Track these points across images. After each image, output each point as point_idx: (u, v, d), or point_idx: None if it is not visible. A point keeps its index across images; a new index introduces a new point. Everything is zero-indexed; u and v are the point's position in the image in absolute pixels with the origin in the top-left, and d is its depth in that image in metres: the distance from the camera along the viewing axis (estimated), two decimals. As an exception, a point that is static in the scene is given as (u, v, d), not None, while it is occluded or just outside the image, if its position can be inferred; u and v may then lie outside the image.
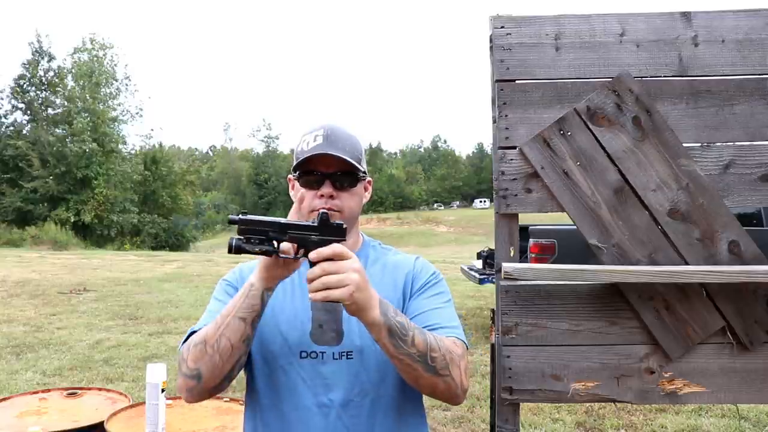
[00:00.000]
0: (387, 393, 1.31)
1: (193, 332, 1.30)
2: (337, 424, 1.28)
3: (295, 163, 1.35)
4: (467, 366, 1.31)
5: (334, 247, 1.09)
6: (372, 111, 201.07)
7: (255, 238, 1.08)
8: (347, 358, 1.29)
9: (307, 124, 1.42)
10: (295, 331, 1.31)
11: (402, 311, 1.34)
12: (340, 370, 1.29)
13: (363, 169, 1.38)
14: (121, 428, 2.14)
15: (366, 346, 1.29)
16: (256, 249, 1.08)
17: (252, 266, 1.42)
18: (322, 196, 1.32)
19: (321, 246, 1.09)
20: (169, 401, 2.32)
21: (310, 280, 1.07)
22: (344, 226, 1.14)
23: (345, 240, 1.13)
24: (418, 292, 1.37)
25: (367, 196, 1.44)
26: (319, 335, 1.21)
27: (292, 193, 1.41)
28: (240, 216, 1.08)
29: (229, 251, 1.09)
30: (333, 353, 1.29)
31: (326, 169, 1.32)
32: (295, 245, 1.11)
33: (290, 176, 1.40)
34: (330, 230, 1.12)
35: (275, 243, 1.10)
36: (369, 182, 1.44)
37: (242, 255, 1.10)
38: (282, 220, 1.11)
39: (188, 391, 1.25)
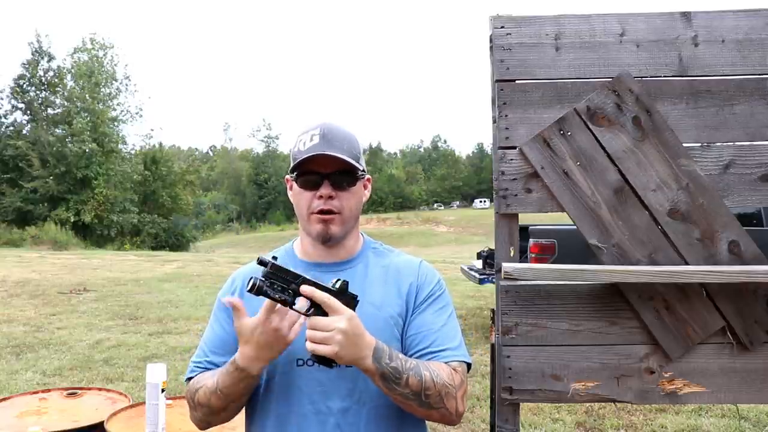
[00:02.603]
0: (386, 401, 1.28)
1: (196, 369, 1.38)
2: (335, 431, 1.28)
3: (292, 163, 1.34)
4: (465, 392, 1.33)
5: (327, 297, 1.13)
6: (372, 111, 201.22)
7: (278, 284, 1.13)
8: (346, 366, 1.26)
9: (305, 123, 1.41)
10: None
11: (405, 321, 1.34)
12: (338, 377, 1.28)
13: (362, 168, 1.35)
14: (121, 428, 2.14)
15: None
16: (277, 296, 1.12)
17: (246, 273, 1.42)
18: (320, 197, 1.30)
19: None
20: (169, 401, 2.32)
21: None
22: (357, 298, 1.18)
23: (353, 310, 1.16)
24: (423, 305, 1.36)
25: (367, 194, 1.42)
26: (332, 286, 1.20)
27: (290, 194, 1.39)
28: (271, 261, 1.13)
29: (250, 290, 1.11)
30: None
31: (324, 170, 1.30)
32: (309, 302, 1.15)
33: (288, 177, 1.39)
34: (345, 298, 1.16)
35: (294, 296, 1.14)
36: (368, 180, 1.42)
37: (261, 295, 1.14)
38: (306, 275, 1.15)
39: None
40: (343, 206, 1.32)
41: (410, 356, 1.31)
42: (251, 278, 1.11)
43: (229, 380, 1.25)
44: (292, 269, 1.14)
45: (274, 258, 1.14)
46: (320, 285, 1.15)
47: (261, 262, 1.14)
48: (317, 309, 1.14)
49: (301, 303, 1.15)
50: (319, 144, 1.30)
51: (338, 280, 1.17)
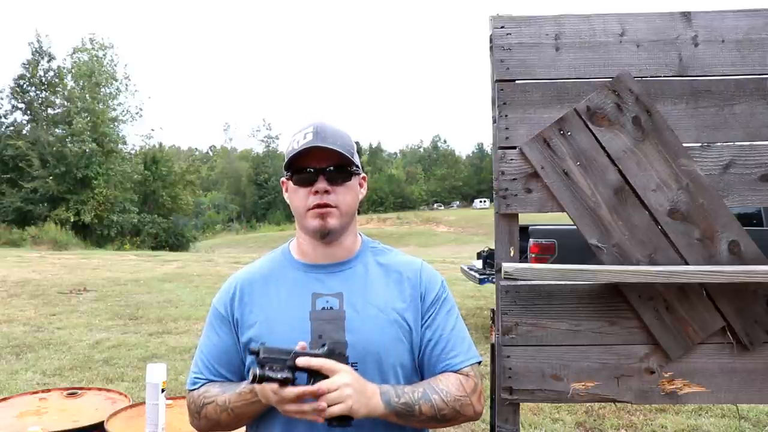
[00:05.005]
0: None
1: (198, 381, 1.38)
2: None
3: (286, 161, 1.33)
4: (481, 391, 1.36)
5: (323, 362, 1.15)
6: (372, 111, 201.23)
7: (275, 365, 1.14)
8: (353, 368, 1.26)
9: (298, 123, 1.41)
10: (293, 342, 1.26)
11: (411, 326, 1.34)
12: None
13: (356, 164, 1.35)
14: (121, 428, 2.14)
15: (368, 355, 1.28)
16: (278, 375, 1.14)
17: (244, 276, 1.41)
18: (316, 192, 1.30)
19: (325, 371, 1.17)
20: (169, 401, 2.31)
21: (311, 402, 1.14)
22: (347, 356, 1.21)
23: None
24: (431, 309, 1.37)
25: (363, 192, 1.41)
26: (319, 346, 1.22)
27: (286, 195, 1.39)
28: (260, 347, 1.15)
29: (253, 381, 1.14)
30: None
31: (319, 164, 1.30)
32: (308, 373, 1.17)
33: (283, 179, 1.38)
34: (336, 358, 1.19)
35: (293, 372, 1.15)
36: (363, 178, 1.41)
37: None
38: (296, 348, 1.17)
39: None
40: (339, 201, 1.31)
41: (425, 362, 1.34)
42: (250, 370, 1.14)
43: (243, 403, 1.27)
44: (279, 347, 1.17)
45: (262, 344, 1.17)
46: (310, 353, 1.17)
47: (252, 352, 1.16)
48: (315, 377, 1.16)
49: (304, 387, 1.16)
50: (312, 140, 1.29)
51: (323, 345, 1.20)
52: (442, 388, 1.28)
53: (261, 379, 1.13)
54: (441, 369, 1.33)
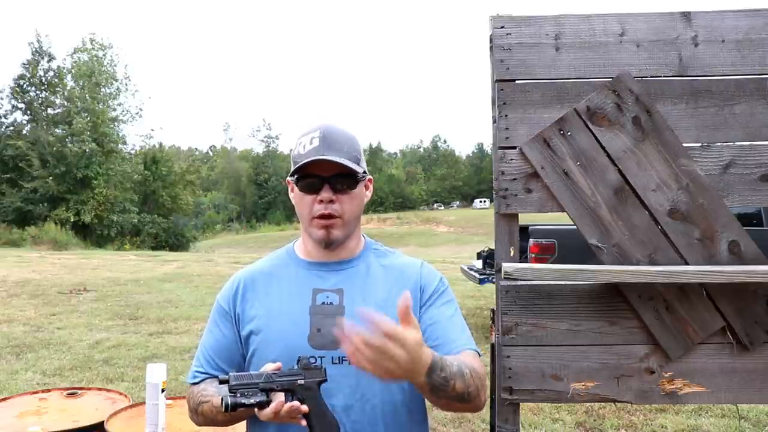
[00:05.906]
0: (390, 398, 1.30)
1: (198, 375, 1.38)
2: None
3: (292, 167, 1.34)
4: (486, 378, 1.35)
5: (395, 329, 1.04)
6: (372, 111, 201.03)
7: (248, 391, 1.14)
8: (349, 363, 1.26)
9: (304, 124, 1.41)
10: (292, 335, 1.29)
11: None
12: (340, 374, 1.28)
13: (362, 170, 1.35)
14: (121, 428, 2.14)
15: None
16: (251, 401, 1.13)
17: (248, 274, 1.42)
18: (321, 201, 1.30)
19: (308, 388, 1.17)
20: (169, 401, 2.31)
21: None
22: (323, 367, 1.21)
23: (326, 380, 1.20)
24: (430, 301, 1.37)
25: (368, 195, 1.42)
26: (318, 339, 1.23)
27: (291, 195, 1.40)
28: (229, 375, 1.15)
29: (226, 410, 1.13)
30: (332, 357, 1.27)
31: (324, 173, 1.30)
32: (284, 393, 1.17)
33: (289, 179, 1.39)
34: (312, 372, 1.19)
35: (267, 394, 1.15)
36: (369, 180, 1.42)
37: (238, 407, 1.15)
38: (269, 370, 1.17)
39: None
40: (344, 210, 1.32)
41: None
42: (222, 399, 1.14)
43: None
44: (251, 373, 1.17)
45: (231, 372, 1.18)
46: (285, 373, 1.17)
47: (222, 381, 1.17)
48: (293, 397, 1.15)
49: (277, 400, 1.15)
50: (319, 147, 1.29)
51: (298, 360, 1.19)
52: (469, 364, 1.25)
53: (234, 407, 1.12)
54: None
